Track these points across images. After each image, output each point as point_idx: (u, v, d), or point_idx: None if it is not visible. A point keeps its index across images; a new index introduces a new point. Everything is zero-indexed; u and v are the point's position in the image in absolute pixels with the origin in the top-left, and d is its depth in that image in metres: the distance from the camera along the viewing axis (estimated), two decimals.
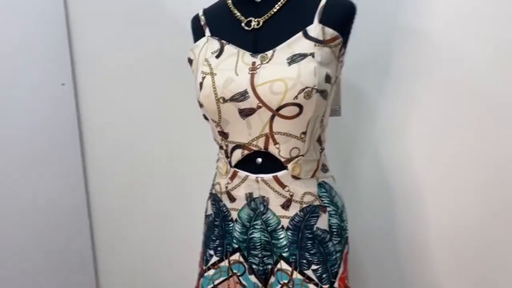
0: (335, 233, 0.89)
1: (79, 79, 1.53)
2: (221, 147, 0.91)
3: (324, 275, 0.87)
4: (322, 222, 0.87)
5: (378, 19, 1.15)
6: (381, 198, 1.24)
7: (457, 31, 1.11)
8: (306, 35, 0.81)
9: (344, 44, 0.87)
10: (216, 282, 0.94)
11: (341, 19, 0.85)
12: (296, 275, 0.87)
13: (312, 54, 0.80)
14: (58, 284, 1.48)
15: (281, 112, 0.80)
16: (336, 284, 0.88)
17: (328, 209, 0.88)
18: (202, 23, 0.94)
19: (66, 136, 1.50)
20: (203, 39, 0.91)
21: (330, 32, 0.82)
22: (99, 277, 1.65)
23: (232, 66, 0.84)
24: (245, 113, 0.83)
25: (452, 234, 1.20)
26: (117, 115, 1.51)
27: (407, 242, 1.23)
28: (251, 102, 0.81)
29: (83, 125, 1.55)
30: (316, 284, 0.87)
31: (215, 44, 0.89)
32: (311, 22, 0.83)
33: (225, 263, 0.93)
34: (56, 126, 1.46)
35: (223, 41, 0.88)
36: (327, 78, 0.82)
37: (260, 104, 0.81)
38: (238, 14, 0.89)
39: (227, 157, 0.90)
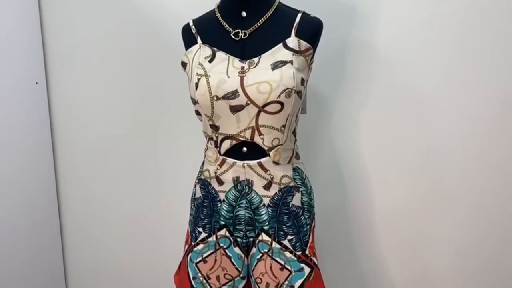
0: (306, 209, 1.07)
1: (52, 77, 1.56)
2: (211, 138, 1.05)
3: (297, 244, 1.04)
4: (296, 200, 1.05)
5: (335, 32, 1.32)
6: (335, 183, 1.42)
7: (401, 42, 1.31)
8: (286, 46, 0.99)
9: (313, 53, 1.06)
10: (205, 255, 1.07)
11: (312, 34, 1.02)
12: (275, 245, 1.03)
13: (291, 62, 0.97)
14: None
15: (266, 108, 0.96)
16: (307, 251, 1.05)
17: (300, 189, 1.06)
18: (194, 31, 1.07)
19: (38, 134, 1.51)
20: (196, 46, 1.05)
21: (304, 44, 1.00)
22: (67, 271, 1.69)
23: (223, 70, 0.99)
24: (235, 109, 0.98)
25: (393, 213, 1.42)
26: (90, 113, 1.55)
27: (357, 220, 1.43)
28: (241, 100, 0.97)
29: (55, 124, 1.58)
30: (291, 252, 1.04)
31: (207, 50, 1.03)
32: (289, 35, 1.00)
33: (212, 238, 1.06)
34: (28, 125, 1.46)
35: (214, 48, 1.03)
36: (302, 81, 1.00)
37: (249, 102, 0.96)
38: (227, 25, 1.04)
39: (216, 146, 1.04)
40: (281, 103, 0.96)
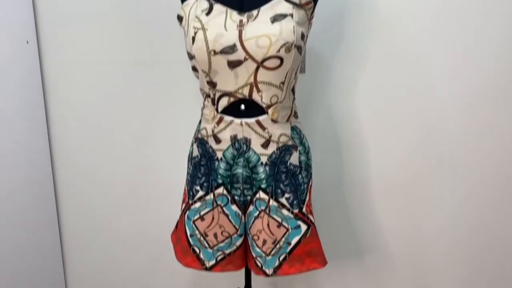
0: (303, 168, 1.07)
1: (43, 37, 1.50)
2: (208, 96, 1.03)
3: (295, 202, 1.05)
4: (294, 159, 1.04)
5: None
6: (332, 144, 1.42)
7: (401, 5, 1.29)
8: None
9: (314, 7, 1.02)
10: (202, 213, 1.07)
11: None
12: (272, 202, 1.04)
13: (291, 15, 0.94)
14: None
15: (265, 64, 0.94)
16: (304, 209, 1.06)
17: (298, 148, 1.05)
18: None
19: (30, 93, 1.47)
20: None
21: None
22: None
23: (221, 23, 0.95)
24: (233, 65, 0.95)
25: (390, 174, 1.43)
26: (83, 72, 1.50)
27: (353, 181, 1.44)
28: (239, 54, 0.94)
29: (46, 82, 1.53)
30: (288, 209, 1.04)
31: (204, 3, 0.99)
32: None
33: (210, 196, 1.06)
34: (19, 85, 1.42)
35: (211, 0, 0.99)
36: (302, 36, 0.97)
37: (247, 57, 0.94)
38: None
39: (213, 104, 1.02)
40: (281, 58, 0.93)
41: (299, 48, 0.96)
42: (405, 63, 1.33)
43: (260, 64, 0.94)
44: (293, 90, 1.05)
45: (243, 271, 1.21)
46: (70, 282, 1.70)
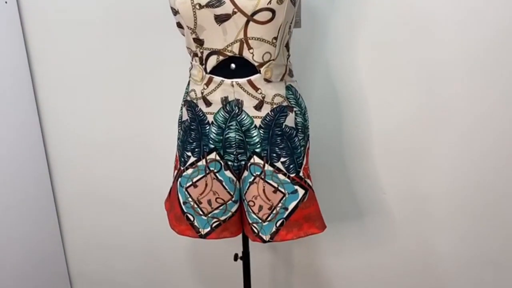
0: (300, 130, 1.01)
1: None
2: (195, 55, 0.95)
3: (291, 166, 1.00)
4: (290, 120, 0.99)
5: None
6: (330, 103, 1.35)
7: None
8: None
9: None
10: (195, 179, 1.03)
11: None
12: (267, 167, 0.99)
13: None
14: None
15: (256, 17, 0.86)
16: (301, 173, 1.02)
17: (294, 109, 0.99)
18: None
19: (13, 56, 1.40)
20: None
21: None
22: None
23: None
24: (221, 19, 0.87)
25: (389, 133, 1.37)
26: (69, 35, 1.43)
27: (352, 141, 1.39)
28: (227, 7, 0.86)
29: (29, 43, 1.46)
30: (284, 174, 1.00)
31: None
32: None
33: (202, 162, 1.02)
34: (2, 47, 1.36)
35: None
36: None
37: (236, 10, 0.86)
38: None
39: (201, 64, 0.95)
40: (273, 11, 0.85)
41: None
42: (406, 16, 1.25)
43: (250, 18, 0.86)
44: (287, 46, 0.98)
45: (240, 238, 1.18)
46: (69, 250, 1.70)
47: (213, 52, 0.92)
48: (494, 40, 1.23)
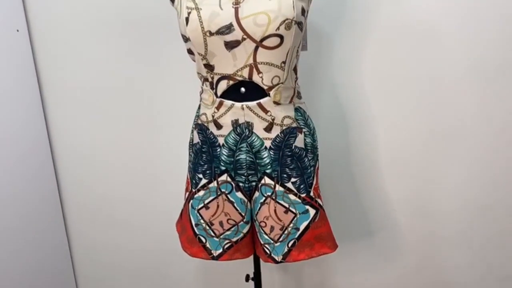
0: (309, 150, 1.03)
1: (34, 24, 1.45)
2: (206, 80, 0.98)
3: (302, 186, 1.01)
4: (299, 141, 1.00)
5: None
6: (338, 123, 1.37)
7: None
8: None
9: None
10: (206, 201, 1.04)
11: None
12: (278, 188, 1.00)
13: None
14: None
15: (264, 43, 0.89)
16: (311, 193, 1.03)
17: (303, 130, 1.01)
18: None
19: (24, 83, 1.44)
20: None
21: None
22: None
23: (216, 1, 0.89)
24: (231, 45, 0.90)
25: (397, 152, 1.38)
26: (78, 58, 1.46)
27: (360, 160, 1.40)
28: (236, 34, 0.88)
29: (40, 71, 1.49)
30: (295, 194, 1.01)
31: None
32: None
33: (213, 184, 1.03)
34: (13, 73, 1.39)
35: None
36: (303, 11, 0.91)
37: (245, 36, 0.88)
38: None
39: (212, 88, 0.97)
40: (281, 36, 0.88)
41: (299, 25, 0.90)
42: (409, 35, 1.28)
43: (259, 44, 0.88)
44: (295, 70, 1.00)
45: (251, 258, 1.18)
46: (78, 273, 1.70)
47: (223, 77, 0.94)
48: (504, 57, 1.25)
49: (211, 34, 0.89)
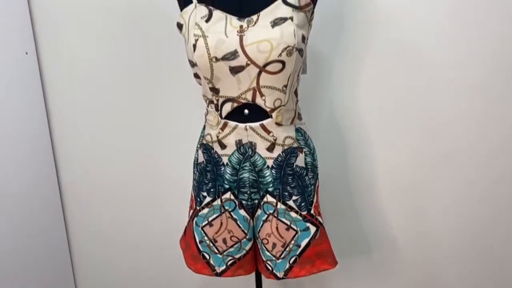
0: (309, 169, 1.07)
1: (42, 47, 1.50)
2: (211, 102, 1.03)
3: (302, 204, 1.05)
4: (300, 161, 1.04)
5: None
6: (337, 143, 1.42)
7: (400, 2, 1.28)
8: (285, 2, 0.95)
9: (313, 9, 1.01)
10: (210, 219, 1.08)
11: None
12: (280, 206, 1.04)
13: (291, 18, 0.94)
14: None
15: (267, 68, 0.94)
16: (312, 211, 1.06)
17: (304, 150, 1.05)
18: None
19: (32, 105, 1.48)
20: (191, 6, 1.00)
21: None
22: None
23: (221, 29, 0.95)
24: (235, 70, 0.95)
25: (395, 171, 1.42)
26: (84, 81, 1.51)
27: (358, 179, 1.44)
28: (241, 60, 0.94)
29: (48, 93, 1.54)
30: (296, 212, 1.04)
31: (203, 10, 0.98)
32: None
33: (217, 202, 1.06)
34: (21, 96, 1.43)
35: (210, 7, 0.99)
36: (303, 38, 0.97)
37: (249, 62, 0.93)
38: None
39: (217, 110, 1.02)
40: (283, 62, 0.93)
41: (300, 51, 0.96)
42: (406, 59, 1.33)
43: (262, 69, 0.94)
44: (295, 92, 1.05)
45: (253, 274, 1.21)
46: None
47: (228, 100, 0.99)
48: (497, 85, 1.30)
49: (217, 60, 0.94)
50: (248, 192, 1.05)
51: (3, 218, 1.37)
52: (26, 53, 1.46)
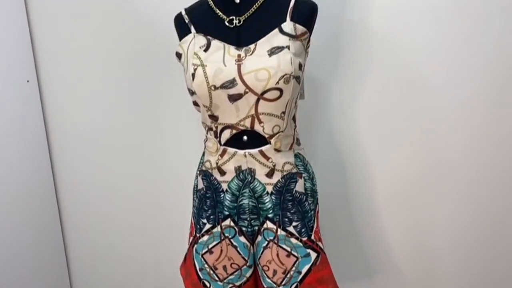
0: (309, 194, 1.07)
1: (43, 75, 1.53)
2: (210, 129, 1.04)
3: (303, 230, 1.04)
4: (299, 186, 1.04)
5: (328, 17, 1.31)
6: (335, 168, 1.43)
7: (397, 23, 1.31)
8: (282, 31, 0.97)
9: (310, 37, 1.04)
10: (210, 246, 1.07)
11: (307, 17, 1.01)
12: (280, 232, 1.03)
13: (288, 47, 0.96)
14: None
15: (265, 95, 0.95)
16: (312, 237, 1.06)
17: (303, 175, 1.06)
18: (187, 21, 1.05)
19: (32, 133, 1.49)
20: (190, 36, 1.03)
21: (300, 28, 0.99)
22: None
23: (220, 58, 0.97)
24: (234, 98, 0.96)
25: (394, 195, 1.42)
26: (84, 109, 1.53)
27: (357, 204, 1.44)
28: (239, 88, 0.95)
29: (48, 121, 1.55)
30: (296, 238, 1.04)
31: (201, 39, 1.01)
32: (284, 20, 0.98)
33: (217, 229, 1.06)
34: (22, 124, 1.44)
35: (208, 37, 1.01)
36: (300, 66, 0.98)
37: (247, 90, 0.95)
38: (220, 13, 1.02)
39: (216, 137, 1.03)
40: (280, 90, 0.94)
41: (297, 79, 0.97)
42: (403, 83, 1.35)
43: (260, 96, 0.95)
44: (294, 118, 1.06)
45: None
46: None
47: (227, 127, 1.00)
48: (491, 100, 1.32)
49: (216, 88, 0.96)
50: (248, 218, 1.05)
51: None
52: (28, 81, 1.48)
